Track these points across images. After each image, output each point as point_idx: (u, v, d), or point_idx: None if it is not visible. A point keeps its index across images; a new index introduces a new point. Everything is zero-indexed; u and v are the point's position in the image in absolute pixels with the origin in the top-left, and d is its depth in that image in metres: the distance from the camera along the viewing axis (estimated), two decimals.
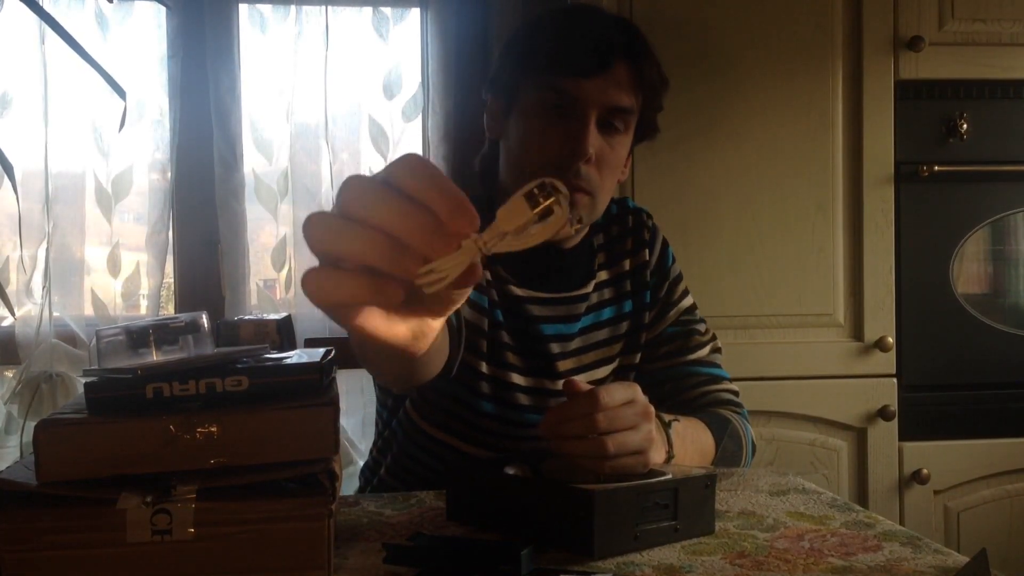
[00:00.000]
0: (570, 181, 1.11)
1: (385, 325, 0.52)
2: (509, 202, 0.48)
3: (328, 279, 0.49)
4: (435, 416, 1.24)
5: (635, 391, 0.95)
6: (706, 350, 1.32)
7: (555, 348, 1.23)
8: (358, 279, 0.49)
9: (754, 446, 1.29)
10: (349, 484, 2.11)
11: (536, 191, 0.48)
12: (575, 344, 1.25)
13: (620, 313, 1.29)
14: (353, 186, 0.49)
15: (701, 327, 1.34)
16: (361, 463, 2.11)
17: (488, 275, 1.22)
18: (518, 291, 1.22)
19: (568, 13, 1.23)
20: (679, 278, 1.35)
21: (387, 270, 0.48)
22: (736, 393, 1.32)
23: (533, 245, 0.48)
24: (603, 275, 1.29)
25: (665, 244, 1.34)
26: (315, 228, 0.49)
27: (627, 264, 1.31)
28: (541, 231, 0.48)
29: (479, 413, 1.22)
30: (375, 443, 1.39)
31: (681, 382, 1.29)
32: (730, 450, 1.22)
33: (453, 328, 1.03)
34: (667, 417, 1.06)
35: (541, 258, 1.22)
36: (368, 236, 0.48)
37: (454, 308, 0.57)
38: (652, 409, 0.97)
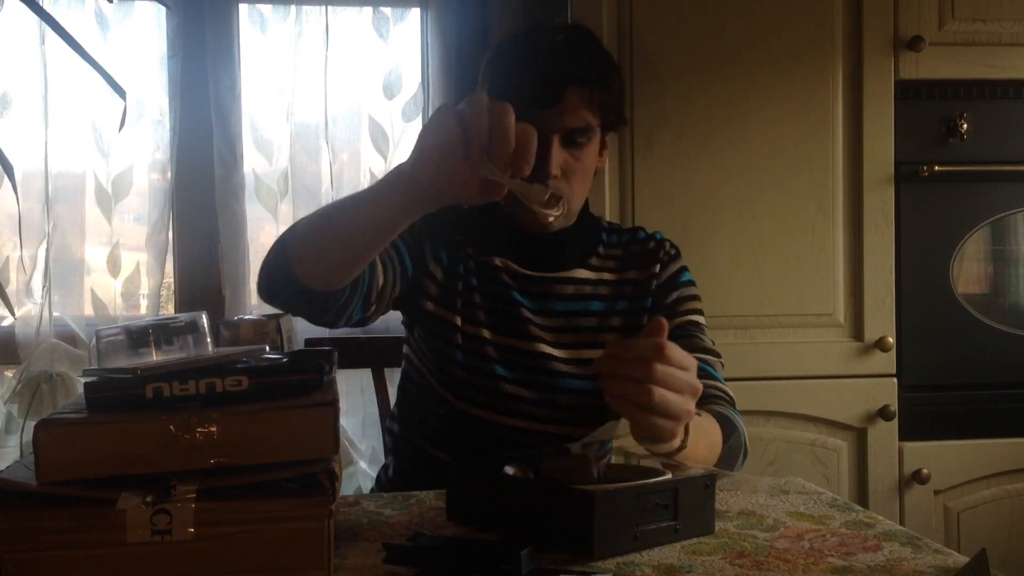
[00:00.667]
0: None
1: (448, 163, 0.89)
2: (543, 188, 0.92)
3: (450, 115, 0.88)
4: (427, 360, 1.38)
5: (694, 364, 0.98)
6: (708, 356, 1.35)
7: (526, 313, 1.35)
8: (456, 128, 0.87)
9: (747, 451, 1.30)
10: (349, 484, 2.11)
11: (557, 195, 0.92)
12: (553, 321, 1.36)
13: (611, 309, 1.38)
14: (505, 111, 0.86)
15: (707, 340, 1.37)
16: (362, 463, 2.13)
17: (469, 249, 1.38)
18: (497, 261, 1.37)
19: (526, 42, 1.36)
20: (692, 297, 1.41)
21: (474, 147, 0.87)
22: (731, 398, 1.33)
23: (522, 200, 0.91)
24: (606, 276, 1.40)
25: (683, 268, 1.43)
26: (473, 102, 0.87)
27: (632, 274, 1.40)
28: (531, 201, 0.91)
29: (453, 362, 1.34)
30: (393, 410, 1.51)
31: None
32: (734, 449, 1.24)
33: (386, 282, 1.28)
34: None
35: (525, 240, 1.37)
36: (483, 128, 0.86)
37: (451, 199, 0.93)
38: (700, 388, 0.99)
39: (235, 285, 2.14)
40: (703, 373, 1.30)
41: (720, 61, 1.95)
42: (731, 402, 1.32)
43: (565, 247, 1.38)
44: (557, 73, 1.27)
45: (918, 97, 2.00)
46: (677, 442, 1.03)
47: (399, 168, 0.97)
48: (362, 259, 1.10)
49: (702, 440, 1.12)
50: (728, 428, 1.23)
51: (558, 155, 1.28)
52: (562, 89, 1.26)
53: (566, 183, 1.30)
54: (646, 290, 1.39)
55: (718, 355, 1.37)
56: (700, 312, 1.40)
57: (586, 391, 1.33)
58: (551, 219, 0.92)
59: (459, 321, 1.34)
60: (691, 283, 1.42)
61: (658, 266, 1.40)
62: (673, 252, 1.44)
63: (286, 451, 0.78)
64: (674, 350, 0.95)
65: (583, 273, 1.38)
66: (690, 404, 0.97)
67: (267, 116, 2.20)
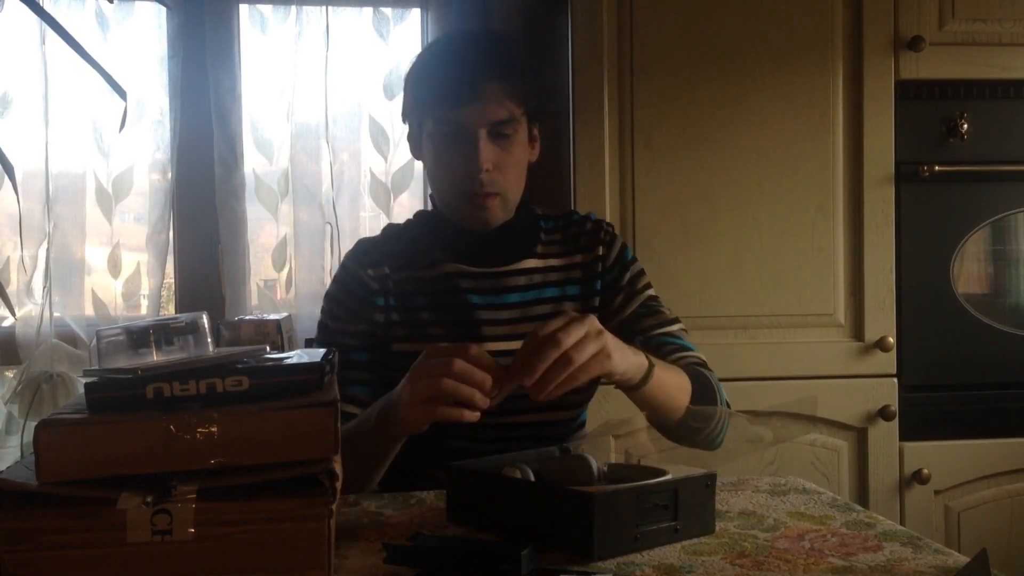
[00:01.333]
0: (479, 190, 1.32)
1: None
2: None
3: (432, 377, 1.06)
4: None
5: (568, 314, 1.10)
6: (675, 327, 1.42)
7: (478, 314, 1.38)
8: (442, 381, 1.05)
9: (726, 401, 1.35)
10: None
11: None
12: (508, 314, 1.39)
13: (563, 295, 1.42)
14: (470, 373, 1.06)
15: (666, 311, 1.44)
16: None
17: (409, 272, 1.40)
18: (448, 268, 1.39)
19: (444, 47, 1.41)
20: (641, 273, 1.46)
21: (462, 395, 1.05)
22: (705, 363, 1.38)
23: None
24: (553, 262, 1.43)
25: (624, 247, 1.48)
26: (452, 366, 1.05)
27: (579, 257, 1.44)
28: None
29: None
30: None
31: (656, 350, 1.37)
32: (703, 379, 1.31)
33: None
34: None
35: (471, 240, 1.40)
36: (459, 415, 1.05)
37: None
38: (590, 316, 1.08)
39: (235, 285, 2.14)
40: (676, 347, 1.40)
41: (720, 61, 1.95)
42: (705, 365, 1.38)
43: (510, 240, 1.41)
44: (473, 68, 1.31)
45: (918, 97, 2.00)
46: (643, 360, 1.15)
47: (389, 418, 1.12)
48: (380, 468, 1.22)
49: (667, 369, 1.22)
50: (691, 371, 1.30)
51: (487, 148, 1.32)
52: (479, 83, 1.30)
53: (500, 175, 1.34)
54: (594, 272, 1.43)
55: (679, 321, 1.43)
56: (651, 286, 1.45)
57: None
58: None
59: (409, 347, 1.35)
60: (635, 259, 1.47)
61: (601, 248, 1.44)
62: (611, 231, 1.48)
63: (286, 451, 0.78)
64: (540, 326, 1.06)
65: (532, 263, 1.42)
66: (595, 329, 1.06)
67: (267, 116, 2.20)
